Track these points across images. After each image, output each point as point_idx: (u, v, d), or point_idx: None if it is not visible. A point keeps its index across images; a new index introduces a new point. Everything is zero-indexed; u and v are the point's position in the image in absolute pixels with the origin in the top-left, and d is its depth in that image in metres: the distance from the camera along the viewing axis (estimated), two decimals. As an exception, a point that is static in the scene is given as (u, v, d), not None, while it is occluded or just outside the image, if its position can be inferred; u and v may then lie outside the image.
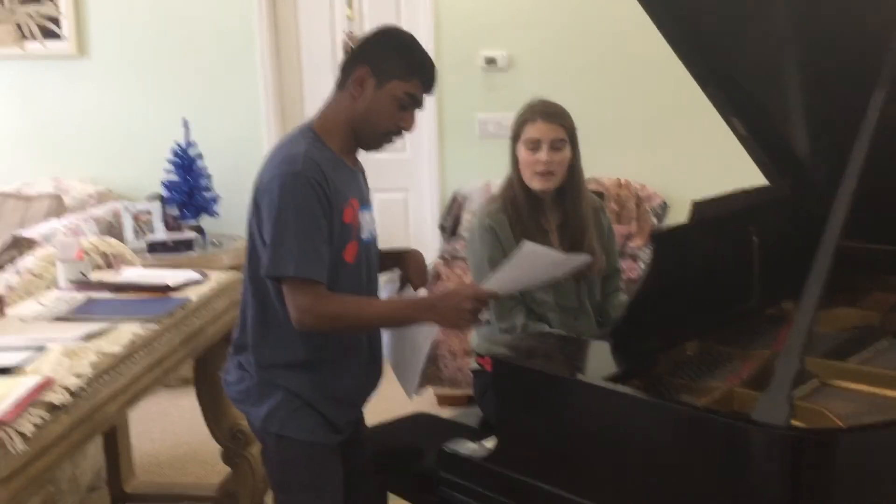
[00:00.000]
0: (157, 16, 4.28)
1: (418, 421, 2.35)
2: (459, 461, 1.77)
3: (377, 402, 2.02)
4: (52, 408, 1.61)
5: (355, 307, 1.75)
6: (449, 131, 4.24)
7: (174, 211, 4.02)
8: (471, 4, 4.12)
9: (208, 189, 4.07)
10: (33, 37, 4.28)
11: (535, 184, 2.19)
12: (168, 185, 4.02)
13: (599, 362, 1.78)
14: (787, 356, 1.40)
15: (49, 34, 4.27)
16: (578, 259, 1.87)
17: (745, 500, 1.39)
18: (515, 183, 2.23)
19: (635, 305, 1.72)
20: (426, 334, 1.88)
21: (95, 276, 2.44)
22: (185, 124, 4.02)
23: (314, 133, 1.78)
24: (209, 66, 4.30)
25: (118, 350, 1.89)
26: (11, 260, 2.70)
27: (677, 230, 1.85)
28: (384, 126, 1.78)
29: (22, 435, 1.49)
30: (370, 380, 1.92)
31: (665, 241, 1.72)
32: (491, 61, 4.12)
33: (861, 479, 1.38)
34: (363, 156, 1.87)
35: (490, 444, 1.75)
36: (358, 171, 1.87)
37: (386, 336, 1.94)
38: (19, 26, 4.28)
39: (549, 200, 2.24)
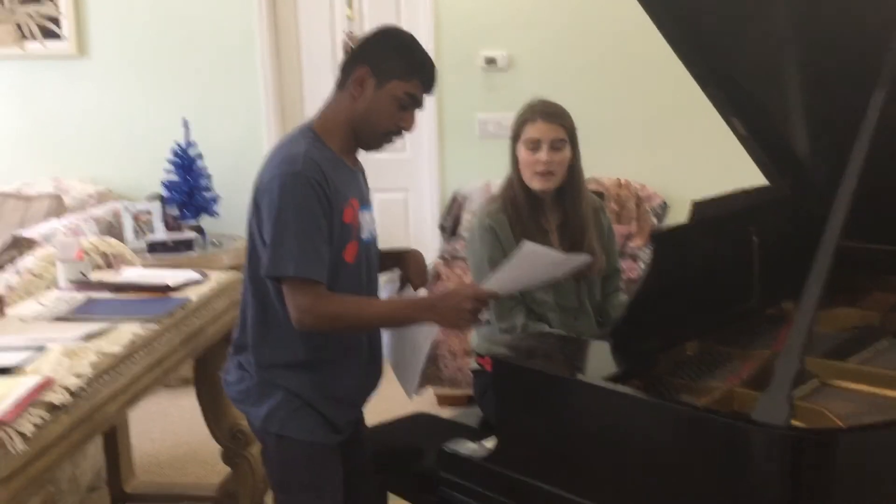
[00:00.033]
0: (157, 16, 4.28)
1: (418, 421, 2.35)
2: (459, 461, 1.77)
3: (377, 401, 2.02)
4: (53, 408, 1.61)
5: (355, 307, 1.75)
6: (449, 131, 4.24)
7: (174, 211, 4.02)
8: (471, 4, 4.12)
9: (208, 189, 4.07)
10: (33, 37, 4.27)
11: (535, 184, 2.19)
12: (168, 185, 4.02)
13: (599, 362, 1.78)
14: (787, 356, 1.40)
15: (49, 34, 4.27)
16: (578, 259, 1.87)
17: (745, 501, 1.39)
18: (515, 183, 2.23)
19: (635, 305, 1.72)
20: (426, 334, 1.88)
21: (95, 276, 2.44)
22: (185, 124, 4.03)
23: (314, 133, 1.78)
24: (209, 65, 4.30)
25: (118, 350, 1.89)
26: (11, 260, 2.70)
27: (677, 230, 1.85)
28: (384, 126, 1.78)
29: (22, 435, 1.49)
30: (370, 380, 1.92)
31: (665, 241, 1.72)
32: (491, 61, 4.12)
33: (861, 480, 1.38)
34: (363, 155, 1.87)
35: (490, 444, 1.76)
36: (358, 171, 1.87)
37: (386, 336, 1.94)
38: (19, 26, 4.28)
39: (549, 200, 2.24)
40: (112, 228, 3.88)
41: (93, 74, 4.36)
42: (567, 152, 2.20)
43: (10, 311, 2.15)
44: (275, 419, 1.79)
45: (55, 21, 4.27)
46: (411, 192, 4.38)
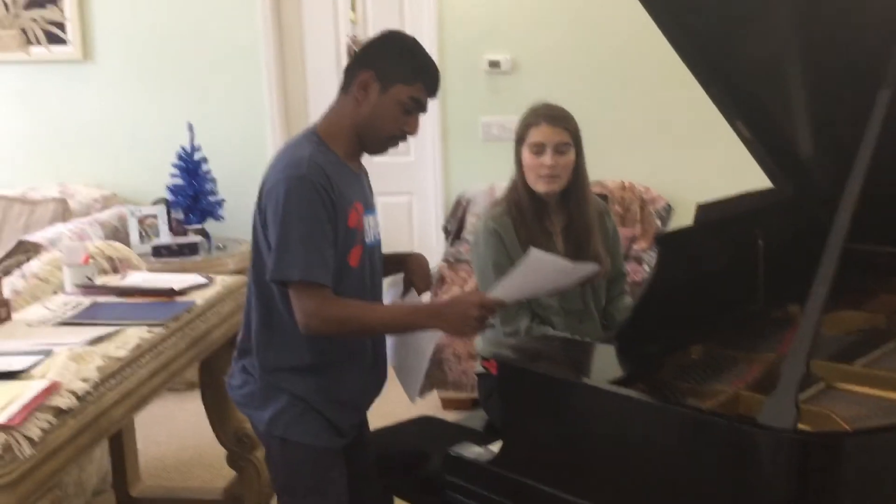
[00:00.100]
0: (162, 20, 4.29)
1: (423, 424, 2.35)
2: (465, 465, 1.77)
3: (381, 405, 2.02)
4: (59, 412, 1.61)
5: (362, 312, 1.75)
6: (453, 134, 4.24)
7: (179, 215, 4.03)
8: (474, 8, 4.13)
9: (213, 193, 4.08)
10: (38, 42, 4.31)
11: (540, 186, 2.19)
12: (173, 189, 4.03)
13: (604, 365, 1.77)
14: (793, 359, 1.39)
15: (54, 39, 4.30)
16: (586, 268, 1.87)
17: (752, 504, 1.38)
18: (520, 186, 2.24)
19: (640, 308, 1.72)
20: (429, 338, 1.88)
21: (101, 280, 2.45)
22: (190, 128, 4.03)
23: (318, 137, 1.78)
24: (214, 69, 4.31)
25: (124, 354, 1.90)
26: (18, 264, 2.71)
27: (682, 233, 1.84)
28: (388, 130, 1.78)
29: (29, 439, 1.50)
30: (374, 383, 1.92)
31: (670, 244, 1.72)
32: (494, 64, 4.13)
33: (868, 483, 1.38)
34: (367, 159, 1.88)
35: (495, 447, 1.75)
36: (362, 175, 1.87)
37: (389, 340, 1.94)
38: (24, 31, 4.31)
39: (553, 203, 2.24)
40: (117, 233, 3.89)
41: (98, 79, 4.38)
42: (571, 156, 2.20)
43: (17, 315, 2.16)
44: (279, 423, 1.79)
45: (60, 26, 4.29)
46: (415, 196, 4.39)
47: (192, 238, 3.92)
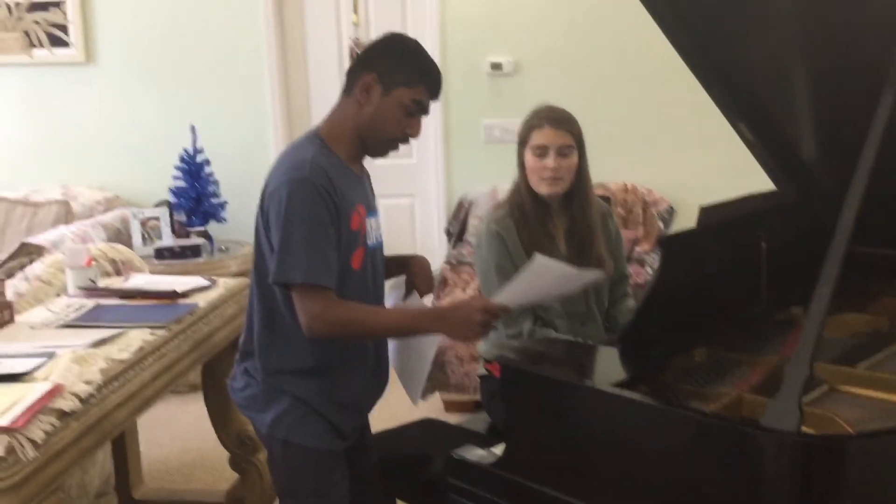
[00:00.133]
0: (165, 22, 4.30)
1: (426, 427, 2.35)
2: (468, 467, 1.77)
3: (384, 407, 2.02)
4: (62, 414, 1.61)
5: (365, 315, 1.75)
6: (455, 137, 4.25)
7: (182, 217, 4.03)
8: (477, 10, 4.13)
9: (216, 195, 4.08)
10: (41, 44, 4.31)
11: (543, 188, 2.19)
12: (175, 192, 4.03)
13: (608, 368, 1.77)
14: (796, 362, 1.39)
15: (57, 41, 4.31)
16: (591, 275, 1.87)
17: (755, 507, 1.38)
18: (522, 188, 2.23)
19: (643, 311, 1.72)
20: (431, 341, 1.88)
21: (104, 282, 2.45)
22: (193, 130, 4.04)
23: (321, 140, 1.78)
24: (216, 71, 4.31)
25: (127, 356, 1.90)
26: (20, 267, 2.71)
27: (685, 235, 1.84)
28: (390, 132, 1.79)
29: (32, 442, 1.50)
30: (376, 386, 1.92)
31: (673, 247, 1.72)
32: (497, 67, 4.13)
33: (871, 486, 1.38)
34: (369, 161, 1.88)
35: (498, 450, 1.75)
36: (364, 178, 1.88)
37: (391, 342, 1.94)
38: (27, 34, 4.32)
39: (556, 206, 2.24)
40: (120, 235, 3.90)
41: (100, 81, 4.38)
42: (574, 158, 2.19)
43: (20, 317, 2.16)
44: (281, 425, 1.79)
45: (63, 28, 4.30)
46: (417, 198, 4.39)
47: (195, 240, 3.92)
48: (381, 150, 1.83)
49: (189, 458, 3.25)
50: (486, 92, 4.18)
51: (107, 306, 2.23)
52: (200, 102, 4.32)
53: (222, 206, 4.09)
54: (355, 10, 4.26)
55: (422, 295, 1.95)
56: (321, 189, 1.68)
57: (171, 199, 4.05)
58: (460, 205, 4.06)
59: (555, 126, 2.18)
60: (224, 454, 2.62)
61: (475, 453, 1.79)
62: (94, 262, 2.45)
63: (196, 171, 4.02)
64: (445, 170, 4.27)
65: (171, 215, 4.01)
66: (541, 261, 1.73)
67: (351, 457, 1.87)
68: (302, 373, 1.79)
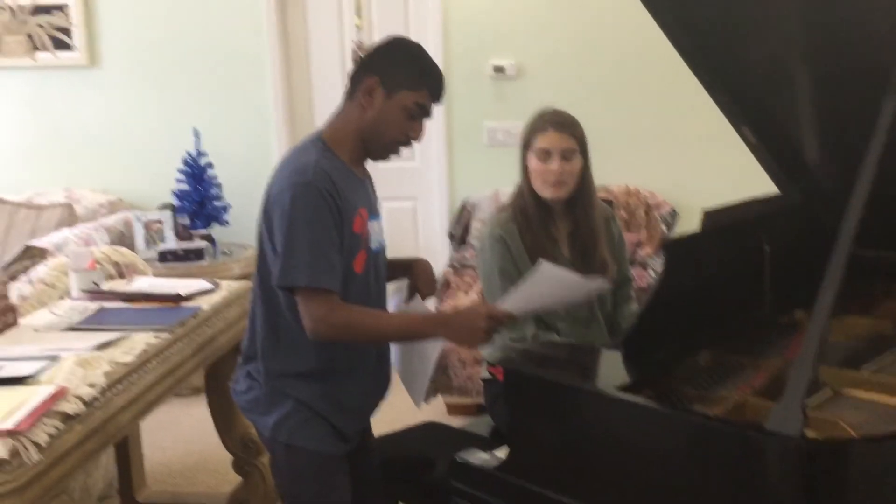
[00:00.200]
0: (168, 25, 4.31)
1: (429, 430, 2.35)
2: (471, 471, 1.77)
3: (387, 411, 2.02)
4: (66, 417, 1.62)
5: (370, 318, 1.75)
6: (457, 140, 4.25)
7: (185, 220, 4.04)
8: (479, 13, 4.14)
9: (219, 198, 4.09)
10: (45, 47, 4.32)
11: (547, 192, 2.19)
12: (179, 195, 4.04)
13: (611, 372, 1.77)
14: (800, 365, 1.39)
15: (60, 45, 4.32)
16: (596, 284, 1.87)
17: (759, 511, 1.38)
18: (525, 191, 2.23)
19: (647, 315, 1.72)
20: (434, 344, 1.88)
21: (107, 285, 2.46)
22: (196, 134, 4.05)
23: (324, 143, 1.78)
24: (219, 75, 4.32)
25: (131, 359, 1.90)
26: (24, 270, 2.72)
27: (689, 239, 1.84)
28: (393, 136, 1.79)
29: (36, 445, 1.50)
30: (379, 389, 1.92)
31: (676, 251, 1.72)
32: (499, 70, 4.13)
33: (875, 489, 1.37)
34: (371, 164, 1.88)
35: (502, 453, 1.75)
36: (366, 181, 1.88)
37: (394, 345, 1.94)
38: (31, 37, 4.33)
39: (559, 209, 2.24)
40: (123, 238, 3.90)
41: (104, 84, 4.39)
42: (578, 162, 2.19)
43: (24, 320, 2.17)
44: (283, 428, 1.79)
45: (66, 32, 4.31)
46: (420, 201, 4.39)
47: (198, 243, 3.93)
48: (383, 153, 1.83)
49: (192, 461, 3.25)
50: (489, 95, 4.18)
51: (110, 309, 2.24)
52: (204, 105, 4.33)
53: (225, 209, 4.10)
54: (358, 14, 4.27)
55: (424, 298, 1.95)
56: (324, 192, 1.68)
57: (175, 202, 4.06)
58: (463, 208, 4.07)
59: (559, 130, 2.18)
60: (227, 457, 2.62)
61: (478, 457, 1.79)
62: (97, 265, 2.46)
63: (199, 174, 4.03)
64: (448, 173, 4.28)
65: (174, 218, 4.02)
66: (547, 268, 1.73)
67: (353, 460, 1.87)
68: (304, 376, 1.79)
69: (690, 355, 1.80)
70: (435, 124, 4.07)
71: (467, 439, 2.07)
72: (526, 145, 2.22)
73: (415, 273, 1.95)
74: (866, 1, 1.66)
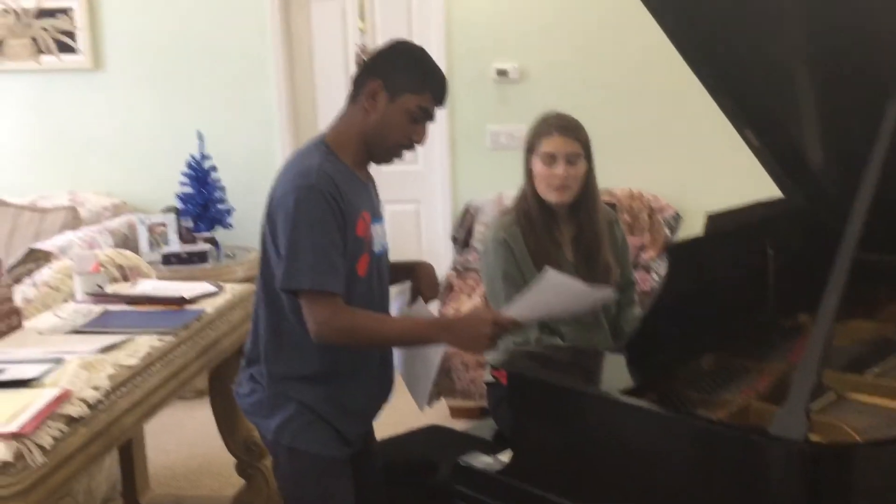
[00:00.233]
0: (172, 29, 4.32)
1: (431, 433, 2.35)
2: (474, 474, 1.77)
3: (390, 414, 2.02)
4: (71, 420, 1.62)
5: (374, 322, 1.75)
6: (461, 143, 4.25)
7: (189, 223, 4.04)
8: (483, 17, 4.14)
9: (222, 201, 4.09)
10: (49, 50, 4.34)
11: (551, 196, 2.19)
12: (182, 198, 4.04)
13: (615, 375, 1.77)
14: (804, 369, 1.39)
15: (65, 48, 4.33)
16: (601, 293, 1.87)
17: (763, 515, 1.38)
18: (529, 195, 2.23)
19: (650, 318, 1.72)
20: (437, 347, 1.88)
21: (111, 288, 2.46)
22: (200, 137, 4.05)
23: (327, 146, 1.79)
24: (223, 78, 4.33)
25: (135, 362, 1.91)
26: (28, 272, 2.73)
27: (692, 243, 1.84)
28: (396, 139, 1.79)
29: (40, 447, 1.50)
30: (382, 392, 1.92)
31: (680, 254, 1.72)
32: (503, 73, 4.13)
33: (879, 494, 1.37)
34: (375, 168, 1.88)
35: (505, 457, 1.75)
36: (369, 184, 1.88)
37: (397, 348, 1.94)
38: (35, 40, 4.34)
39: (563, 213, 2.24)
40: (127, 241, 3.91)
41: (108, 87, 4.40)
42: (582, 166, 2.19)
43: (28, 323, 2.17)
44: (286, 432, 1.79)
45: (71, 35, 4.32)
46: (423, 204, 4.39)
47: (202, 246, 3.93)
48: (386, 156, 1.83)
49: (195, 464, 3.25)
50: (492, 98, 4.18)
51: (114, 312, 2.24)
52: (207, 109, 4.34)
53: (229, 212, 4.10)
54: (362, 17, 4.27)
55: (427, 301, 1.95)
56: (328, 196, 1.68)
57: (179, 204, 4.06)
58: (466, 211, 4.07)
59: (564, 134, 2.18)
60: (230, 460, 2.62)
61: (481, 460, 1.79)
62: (101, 268, 2.46)
63: (203, 177, 4.03)
64: (451, 176, 4.28)
65: (178, 221, 4.02)
66: (552, 276, 1.73)
67: (356, 463, 1.87)
68: (307, 379, 1.79)
69: (694, 359, 1.80)
70: (438, 127, 4.07)
71: (470, 443, 2.07)
72: (530, 149, 2.22)
73: (418, 276, 1.95)
74: (870, 5, 1.66)
